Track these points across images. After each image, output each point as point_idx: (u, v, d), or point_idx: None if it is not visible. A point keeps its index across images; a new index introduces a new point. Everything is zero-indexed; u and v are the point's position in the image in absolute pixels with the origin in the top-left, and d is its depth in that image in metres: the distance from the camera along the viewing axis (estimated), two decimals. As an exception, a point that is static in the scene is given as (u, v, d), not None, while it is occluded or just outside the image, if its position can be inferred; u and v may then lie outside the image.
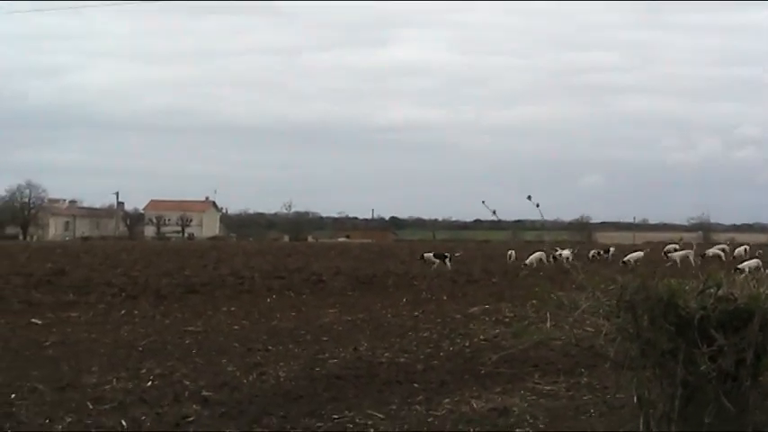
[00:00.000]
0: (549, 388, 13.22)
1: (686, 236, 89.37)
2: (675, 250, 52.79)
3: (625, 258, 46.64)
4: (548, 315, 9.04)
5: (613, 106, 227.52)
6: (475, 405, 12.09)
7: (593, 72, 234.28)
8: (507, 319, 21.00)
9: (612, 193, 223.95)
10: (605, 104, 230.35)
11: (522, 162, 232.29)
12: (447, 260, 44.78)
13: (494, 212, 9.08)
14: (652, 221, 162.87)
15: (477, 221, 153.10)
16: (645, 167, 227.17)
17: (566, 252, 45.64)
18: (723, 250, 56.60)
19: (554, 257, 44.12)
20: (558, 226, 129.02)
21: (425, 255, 46.29)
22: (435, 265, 43.92)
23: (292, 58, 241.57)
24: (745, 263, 37.44)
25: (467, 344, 18.05)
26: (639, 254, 49.01)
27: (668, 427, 8.48)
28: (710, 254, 53.67)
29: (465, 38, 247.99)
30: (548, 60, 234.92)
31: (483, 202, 9.13)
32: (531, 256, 45.90)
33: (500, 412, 11.68)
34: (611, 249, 57.04)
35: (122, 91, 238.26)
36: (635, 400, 8.87)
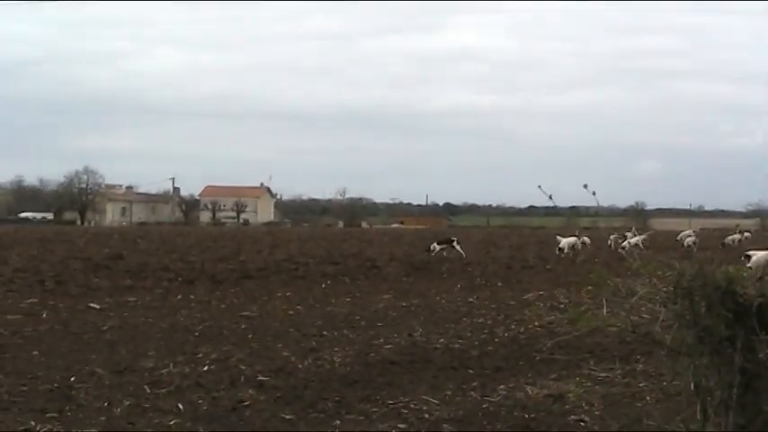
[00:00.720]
0: (604, 375, 13.15)
1: (744, 222, 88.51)
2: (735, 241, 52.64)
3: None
4: (603, 301, 8.98)
5: (670, 91, 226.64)
6: (530, 391, 12.07)
7: (649, 57, 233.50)
8: (562, 306, 20.91)
9: (668, 180, 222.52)
10: (662, 89, 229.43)
11: (576, 148, 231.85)
12: (455, 244, 44.01)
13: (550, 197, 9.03)
14: (708, 208, 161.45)
15: (532, 208, 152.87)
16: (701, 153, 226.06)
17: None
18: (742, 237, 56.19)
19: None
20: (613, 212, 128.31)
21: (432, 246, 44.20)
22: (444, 252, 43.14)
23: (348, 44, 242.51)
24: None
25: (521, 330, 18.01)
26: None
27: (726, 415, 8.41)
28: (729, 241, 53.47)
29: (521, 23, 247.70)
30: (604, 45, 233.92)
31: (539, 186, 9.07)
32: (563, 241, 45.25)
33: (555, 399, 11.65)
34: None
35: (179, 77, 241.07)
36: (692, 387, 8.78)
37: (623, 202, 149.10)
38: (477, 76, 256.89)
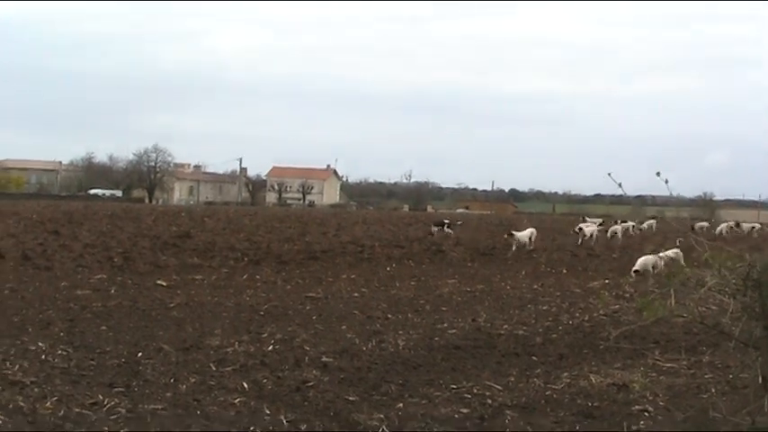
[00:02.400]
0: (669, 365, 13.06)
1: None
2: None
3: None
4: (671, 291, 8.90)
5: (744, 80, 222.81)
6: (594, 380, 12.01)
7: (723, 45, 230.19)
8: (628, 295, 20.76)
9: (738, 171, 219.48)
10: (735, 79, 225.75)
11: (646, 137, 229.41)
12: (446, 227, 45.84)
13: (619, 185, 8.97)
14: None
15: (598, 195, 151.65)
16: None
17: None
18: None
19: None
20: (680, 202, 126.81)
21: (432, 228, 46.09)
22: (435, 234, 44.64)
23: (420, 28, 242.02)
24: None
25: (586, 318, 17.92)
26: None
27: (793, 409, 8.32)
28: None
29: (594, 9, 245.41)
30: (677, 33, 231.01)
31: (609, 174, 9.00)
32: (586, 228, 44.90)
33: (619, 388, 11.59)
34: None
35: (251, 57, 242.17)
36: (759, 380, 8.71)
37: (691, 191, 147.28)
38: (548, 62, 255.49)
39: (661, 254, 26.21)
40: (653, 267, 24.40)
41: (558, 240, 45.47)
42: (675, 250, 26.88)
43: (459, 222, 51.43)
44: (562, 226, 58.54)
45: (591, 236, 43.54)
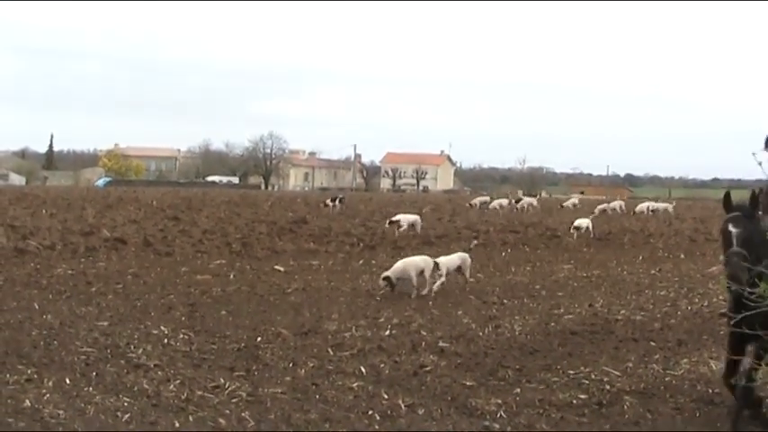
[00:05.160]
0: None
1: None
2: None
3: None
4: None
5: None
6: (714, 366, 11.84)
7: None
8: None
9: None
10: None
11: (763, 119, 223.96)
12: (339, 201, 51.17)
13: (760, 164, 8.81)
14: None
15: (716, 180, 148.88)
16: None
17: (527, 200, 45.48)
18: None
19: None
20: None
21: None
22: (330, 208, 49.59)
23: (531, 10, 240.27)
24: None
25: (705, 303, 17.68)
26: None
27: None
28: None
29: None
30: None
31: (753, 153, 8.85)
32: (579, 221, 37.60)
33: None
34: None
35: (365, 44, 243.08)
36: None
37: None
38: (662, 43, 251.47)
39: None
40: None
41: (675, 225, 44.80)
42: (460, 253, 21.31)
43: (341, 197, 55.92)
44: (679, 211, 57.63)
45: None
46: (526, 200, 62.07)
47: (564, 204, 62.56)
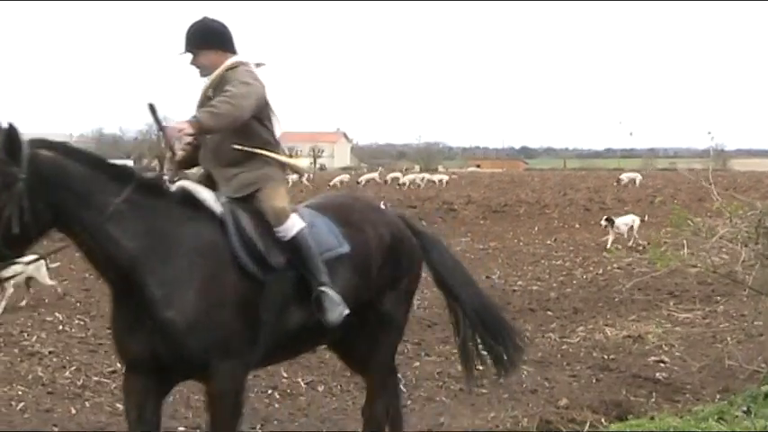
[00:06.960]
0: (684, 316, 13.09)
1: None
2: None
3: None
4: (684, 242, 8.91)
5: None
6: (609, 333, 12.05)
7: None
8: (641, 247, 20.74)
9: (750, 119, 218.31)
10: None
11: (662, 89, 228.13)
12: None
13: (630, 134, 8.94)
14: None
15: (609, 150, 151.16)
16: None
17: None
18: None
19: None
20: (691, 153, 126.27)
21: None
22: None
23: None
24: None
25: (600, 272, 17.96)
26: None
27: (808, 355, 8.35)
28: None
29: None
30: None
31: (620, 122, 8.97)
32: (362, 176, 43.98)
33: (634, 340, 11.63)
34: None
35: (255, 24, 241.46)
36: (774, 327, 8.73)
37: (702, 143, 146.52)
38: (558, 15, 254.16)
39: None
40: None
41: (569, 195, 45.35)
42: None
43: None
44: (573, 181, 58.41)
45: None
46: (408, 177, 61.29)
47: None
